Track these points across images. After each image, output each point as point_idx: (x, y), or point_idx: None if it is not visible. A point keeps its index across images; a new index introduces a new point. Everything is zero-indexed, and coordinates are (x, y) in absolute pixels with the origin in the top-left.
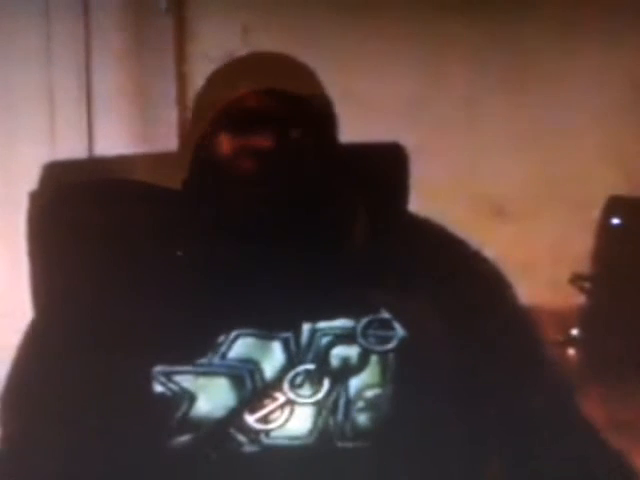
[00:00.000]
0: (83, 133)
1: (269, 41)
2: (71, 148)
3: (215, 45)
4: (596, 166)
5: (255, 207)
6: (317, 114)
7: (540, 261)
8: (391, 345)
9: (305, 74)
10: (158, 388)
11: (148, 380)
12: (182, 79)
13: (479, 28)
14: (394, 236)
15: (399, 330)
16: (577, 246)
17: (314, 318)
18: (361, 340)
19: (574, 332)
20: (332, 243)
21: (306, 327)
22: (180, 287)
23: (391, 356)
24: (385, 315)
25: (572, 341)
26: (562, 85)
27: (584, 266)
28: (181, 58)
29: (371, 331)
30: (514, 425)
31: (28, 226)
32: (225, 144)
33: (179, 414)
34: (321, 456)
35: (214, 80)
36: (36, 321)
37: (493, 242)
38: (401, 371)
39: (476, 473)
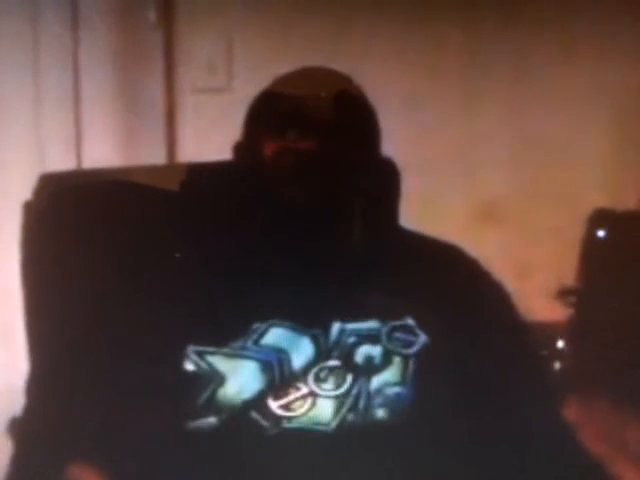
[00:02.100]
0: (71, 146)
1: (257, 52)
2: (59, 161)
3: (204, 57)
4: (592, 175)
5: (293, 208)
6: (359, 122)
7: (528, 273)
8: (413, 349)
9: (349, 85)
10: (190, 367)
11: (181, 358)
12: (170, 90)
13: (475, 30)
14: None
15: (422, 336)
16: (569, 257)
17: (344, 318)
18: (386, 342)
19: (560, 345)
20: (365, 249)
21: (336, 326)
22: (220, 273)
23: (412, 359)
24: (410, 322)
25: (558, 354)
26: (560, 89)
27: (571, 279)
28: (170, 69)
29: (396, 334)
30: (512, 428)
31: (23, 235)
32: (267, 145)
33: (207, 394)
34: (339, 444)
35: (264, 92)
36: (50, 311)
37: (485, 251)
38: (420, 373)
39: (475, 469)
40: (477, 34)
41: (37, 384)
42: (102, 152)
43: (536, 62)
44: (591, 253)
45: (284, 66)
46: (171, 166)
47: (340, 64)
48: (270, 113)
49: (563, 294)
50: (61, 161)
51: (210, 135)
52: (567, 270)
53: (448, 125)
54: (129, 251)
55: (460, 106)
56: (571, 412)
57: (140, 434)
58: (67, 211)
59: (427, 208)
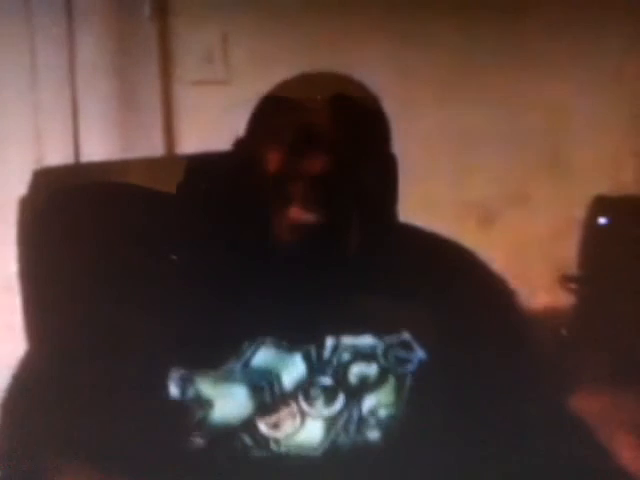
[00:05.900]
0: (69, 141)
1: (253, 44)
2: (57, 155)
3: (200, 50)
4: (586, 167)
5: (298, 232)
6: (373, 135)
7: (529, 263)
8: (410, 367)
9: (352, 88)
10: (175, 394)
11: (165, 384)
12: (167, 85)
13: (468, 31)
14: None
15: (418, 352)
16: (566, 247)
17: (338, 333)
18: (382, 360)
19: (564, 332)
20: (360, 263)
21: (329, 342)
22: (202, 294)
23: (409, 377)
24: (406, 336)
25: (562, 341)
26: (552, 86)
27: (573, 267)
28: (166, 64)
29: (392, 352)
30: (513, 427)
31: (19, 232)
32: (275, 163)
33: (196, 420)
34: (329, 467)
35: (270, 98)
36: (35, 327)
37: (481, 246)
38: (416, 393)
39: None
40: (476, 34)
41: (24, 381)
42: (100, 145)
43: (533, 60)
44: (592, 240)
45: (280, 58)
46: (169, 158)
47: (337, 60)
48: (272, 120)
49: (565, 281)
50: (59, 155)
51: (208, 127)
52: (568, 257)
53: (444, 125)
54: (113, 260)
55: (456, 106)
56: (576, 401)
57: (125, 454)
58: (62, 211)
59: (423, 209)
